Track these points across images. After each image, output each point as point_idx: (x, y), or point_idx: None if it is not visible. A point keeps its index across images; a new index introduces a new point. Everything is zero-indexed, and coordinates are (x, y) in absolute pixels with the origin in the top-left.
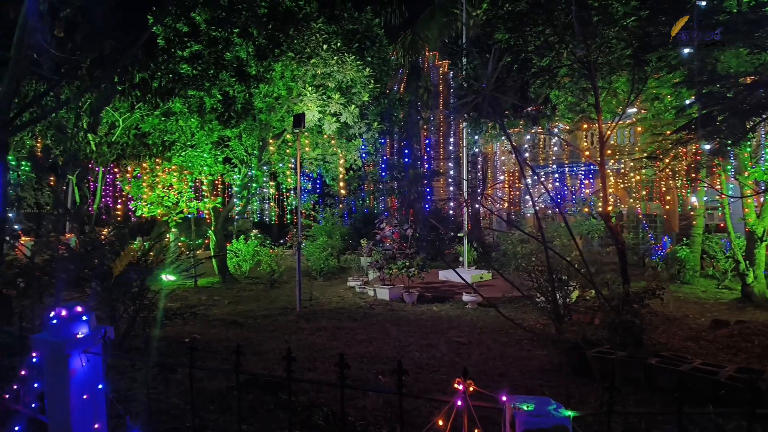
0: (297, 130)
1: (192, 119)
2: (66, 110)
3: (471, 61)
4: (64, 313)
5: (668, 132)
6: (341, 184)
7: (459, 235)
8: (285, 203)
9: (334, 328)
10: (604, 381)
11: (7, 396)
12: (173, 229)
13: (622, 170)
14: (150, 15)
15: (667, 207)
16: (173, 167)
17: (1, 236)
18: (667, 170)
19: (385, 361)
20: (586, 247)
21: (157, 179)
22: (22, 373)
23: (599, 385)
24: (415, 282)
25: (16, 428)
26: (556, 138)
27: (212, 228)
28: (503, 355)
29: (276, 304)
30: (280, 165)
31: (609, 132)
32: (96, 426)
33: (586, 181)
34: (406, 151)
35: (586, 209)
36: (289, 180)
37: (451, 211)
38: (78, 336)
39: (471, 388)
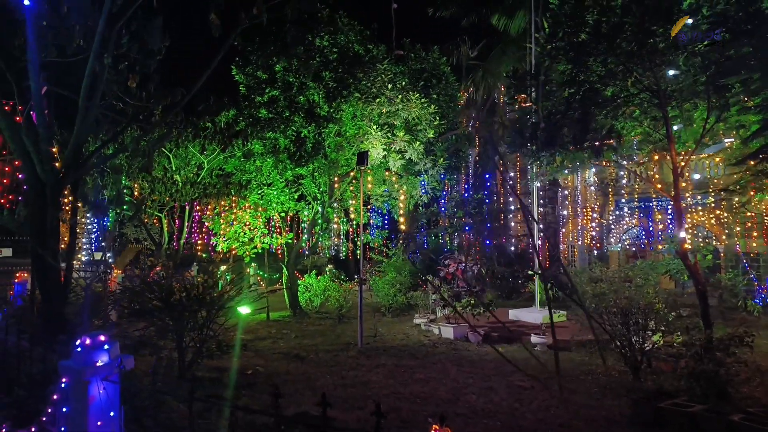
0: (361, 167)
1: (267, 159)
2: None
3: (530, 94)
4: (88, 341)
5: (752, 162)
6: (401, 219)
7: (530, 273)
8: (356, 239)
9: (393, 366)
10: None
11: (44, 419)
12: (253, 264)
13: (721, 204)
14: (233, 65)
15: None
16: (249, 205)
17: (69, 270)
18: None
19: (438, 402)
20: (677, 289)
21: (234, 216)
22: (54, 397)
23: None
24: (481, 321)
25: None
26: (628, 171)
27: (284, 263)
28: (568, 402)
29: (340, 339)
30: (351, 202)
31: (683, 164)
32: None
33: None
34: (480, 186)
35: (661, 246)
36: (359, 216)
37: (530, 248)
38: (98, 364)
39: None
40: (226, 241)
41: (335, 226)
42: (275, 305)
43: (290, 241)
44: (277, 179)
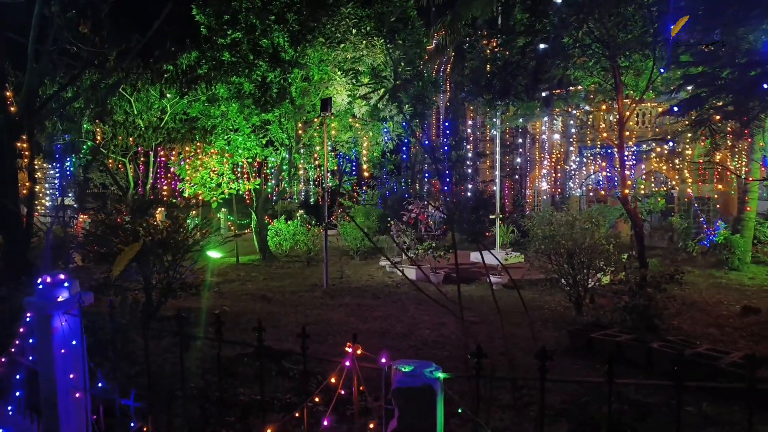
0: (324, 114)
1: (233, 104)
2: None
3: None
4: (49, 279)
5: (692, 113)
6: (364, 167)
7: (492, 217)
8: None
9: (355, 305)
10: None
11: (13, 350)
12: (223, 210)
13: (676, 150)
14: (194, 5)
15: (721, 189)
16: (215, 151)
17: (30, 215)
18: (720, 150)
19: (394, 336)
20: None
21: (200, 162)
22: (21, 330)
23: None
24: (444, 264)
25: (18, 376)
26: (580, 120)
27: (253, 208)
28: (512, 335)
29: (307, 281)
30: (317, 148)
31: (628, 113)
32: (71, 376)
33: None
34: (450, 132)
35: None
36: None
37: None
38: (59, 299)
39: (359, 352)
40: (192, 186)
41: (302, 171)
42: (245, 249)
43: (258, 186)
44: (244, 125)
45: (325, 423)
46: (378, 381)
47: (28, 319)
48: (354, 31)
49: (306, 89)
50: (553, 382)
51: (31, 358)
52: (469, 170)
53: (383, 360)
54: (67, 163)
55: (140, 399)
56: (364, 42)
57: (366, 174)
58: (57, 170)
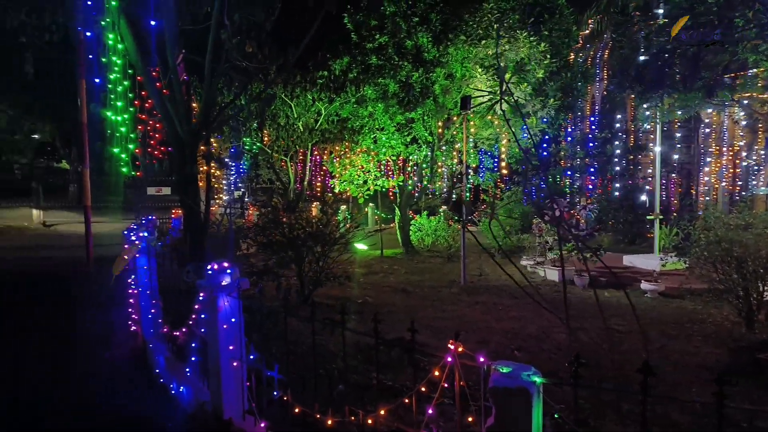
0: (463, 112)
1: (379, 105)
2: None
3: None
4: (215, 266)
5: None
6: (503, 164)
7: (648, 217)
8: (467, 181)
9: (491, 304)
10: None
11: (190, 322)
12: (370, 204)
13: None
14: (345, 14)
15: None
16: (362, 149)
17: (207, 210)
18: None
19: (526, 338)
20: None
21: (349, 160)
22: (196, 307)
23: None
24: (590, 266)
25: (193, 344)
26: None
27: (397, 204)
28: (662, 348)
29: (446, 277)
30: (457, 145)
31: None
32: (231, 347)
33: None
34: (606, 125)
35: None
36: (468, 159)
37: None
38: (223, 283)
39: (460, 349)
40: (342, 183)
41: (444, 168)
42: (389, 243)
43: (401, 183)
44: (388, 124)
45: (430, 411)
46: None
47: (201, 298)
48: (496, 26)
49: (448, 87)
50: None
51: (203, 330)
52: (626, 165)
53: (481, 359)
54: (241, 163)
55: (284, 373)
56: (506, 37)
57: (506, 171)
58: (233, 169)
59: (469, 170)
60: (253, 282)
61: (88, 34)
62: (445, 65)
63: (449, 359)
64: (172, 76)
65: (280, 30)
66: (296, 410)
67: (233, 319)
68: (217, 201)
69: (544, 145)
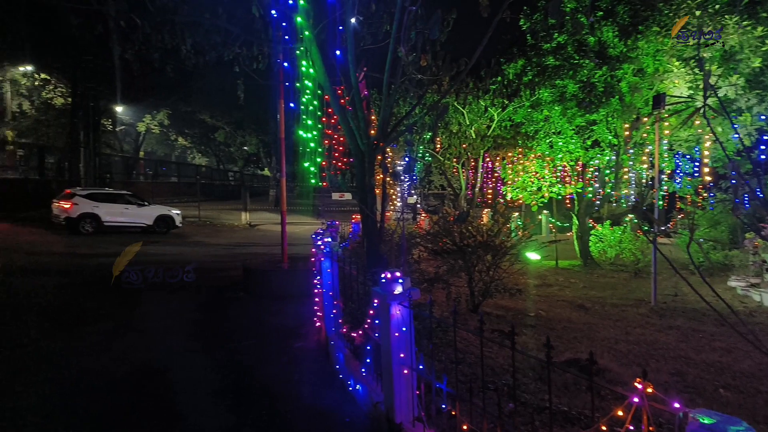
0: (656, 112)
1: (555, 108)
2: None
3: None
4: (388, 275)
5: None
6: (705, 169)
7: None
8: (659, 188)
9: (689, 330)
10: None
11: (366, 326)
12: (544, 212)
13: None
14: (521, 15)
15: None
16: (537, 155)
17: (382, 217)
18: None
19: (735, 375)
20: None
21: (521, 166)
22: (371, 312)
23: None
24: None
25: (368, 347)
26: None
27: (575, 212)
28: None
29: (632, 294)
30: (648, 148)
31: None
32: (401, 355)
33: None
34: None
35: None
36: (661, 163)
37: None
38: (395, 292)
39: (649, 390)
40: (514, 190)
41: (632, 174)
42: (565, 254)
43: (580, 190)
44: (566, 127)
45: None
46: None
47: (375, 305)
48: (698, 12)
49: (636, 84)
50: None
51: (376, 335)
52: None
53: (676, 405)
54: (412, 172)
55: (452, 385)
56: (711, 24)
57: (709, 177)
58: (407, 177)
59: (663, 175)
60: (424, 289)
61: (285, 64)
62: (633, 60)
63: (635, 399)
64: (353, 93)
65: (452, 40)
66: (464, 427)
67: (404, 328)
68: (392, 208)
69: (762, 147)
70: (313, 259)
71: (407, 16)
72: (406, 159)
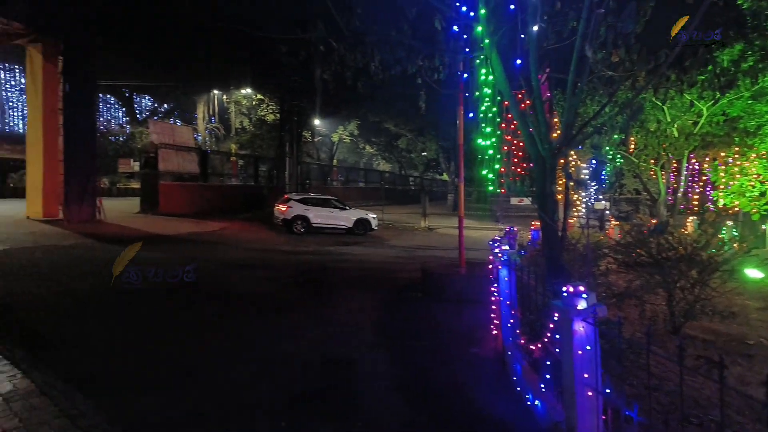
0: None
1: None
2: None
3: None
4: (571, 289)
5: None
6: None
7: None
8: None
9: None
10: None
11: (545, 339)
12: None
13: None
14: None
15: None
16: (760, 154)
17: (564, 225)
18: None
19: None
20: None
21: (736, 168)
22: (550, 326)
23: None
24: None
25: (548, 362)
26: None
27: None
28: None
29: None
30: None
31: None
32: (585, 375)
33: None
34: None
35: None
36: None
37: None
38: (578, 307)
39: None
40: (728, 195)
41: None
42: None
43: None
44: None
45: None
46: None
47: (555, 318)
48: None
49: None
50: None
51: (557, 350)
52: None
53: None
54: (603, 173)
55: (644, 414)
56: None
57: None
58: (593, 182)
59: None
60: (612, 305)
61: (465, 75)
62: None
63: None
64: (535, 97)
65: (649, 30)
66: None
67: (588, 347)
68: (575, 214)
69: None
70: (490, 267)
71: (596, 12)
72: (593, 162)
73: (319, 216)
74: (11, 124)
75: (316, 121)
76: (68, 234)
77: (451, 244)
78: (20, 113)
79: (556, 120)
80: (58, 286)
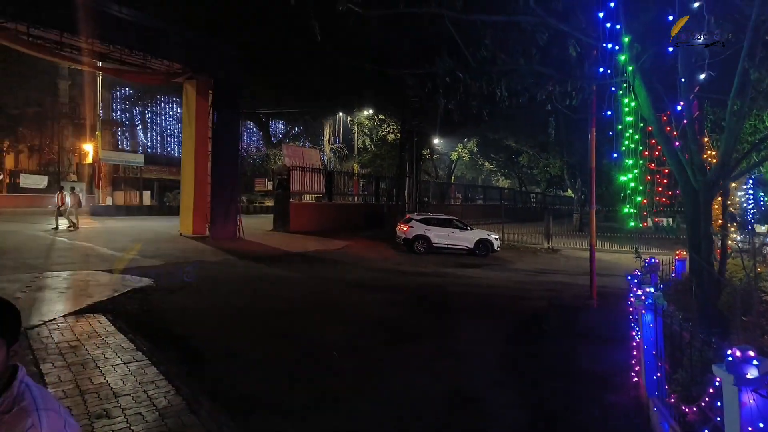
0: None
1: None
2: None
3: None
4: (738, 353)
5: None
6: None
7: None
8: None
9: None
10: None
11: (703, 404)
12: None
13: None
14: None
15: None
16: None
17: (722, 265)
18: None
19: None
20: None
21: None
22: (710, 390)
23: None
24: None
25: (705, 430)
26: None
27: None
28: None
29: None
30: None
31: None
32: None
33: None
34: None
35: None
36: None
37: None
38: (747, 376)
39: None
40: None
41: None
42: None
43: None
44: None
45: None
46: None
47: (716, 383)
48: None
49: None
50: None
51: (717, 419)
52: None
53: None
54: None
55: None
56: None
57: None
58: (750, 199)
59: None
60: None
61: (608, 112)
62: None
63: None
64: (686, 124)
65: None
66: None
67: (761, 425)
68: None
69: None
70: (630, 307)
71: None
72: (750, 182)
73: (439, 236)
74: (168, 149)
75: (435, 140)
76: (214, 251)
77: (578, 267)
78: (176, 139)
79: (706, 139)
80: (206, 300)
